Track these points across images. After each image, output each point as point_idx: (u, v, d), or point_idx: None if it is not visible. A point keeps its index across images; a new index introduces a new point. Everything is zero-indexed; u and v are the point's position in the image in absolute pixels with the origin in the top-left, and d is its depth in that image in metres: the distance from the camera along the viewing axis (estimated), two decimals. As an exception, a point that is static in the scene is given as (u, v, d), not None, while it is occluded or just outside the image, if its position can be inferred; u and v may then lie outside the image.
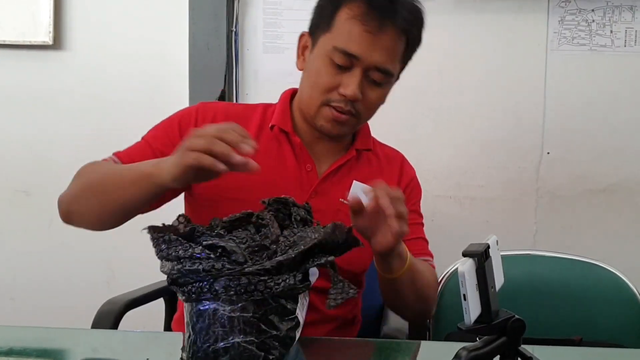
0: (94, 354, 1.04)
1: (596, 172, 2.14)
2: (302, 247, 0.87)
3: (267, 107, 1.31)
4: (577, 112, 2.14)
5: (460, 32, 2.14)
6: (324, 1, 1.23)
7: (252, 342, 0.84)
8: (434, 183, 2.13)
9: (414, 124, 2.17)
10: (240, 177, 1.17)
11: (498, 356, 0.82)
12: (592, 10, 2.10)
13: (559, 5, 2.11)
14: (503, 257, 0.88)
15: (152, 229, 0.89)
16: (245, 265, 0.84)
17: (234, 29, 2.16)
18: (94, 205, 1.11)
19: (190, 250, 0.85)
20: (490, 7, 2.12)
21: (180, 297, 0.88)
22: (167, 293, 1.55)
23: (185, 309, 0.89)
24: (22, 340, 1.05)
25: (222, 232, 0.91)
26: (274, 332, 0.86)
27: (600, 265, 1.47)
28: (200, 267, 0.84)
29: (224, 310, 0.84)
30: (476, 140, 2.16)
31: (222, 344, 0.84)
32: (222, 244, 0.85)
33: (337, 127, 1.21)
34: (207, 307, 0.85)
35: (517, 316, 0.81)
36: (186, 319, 0.88)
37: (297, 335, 0.91)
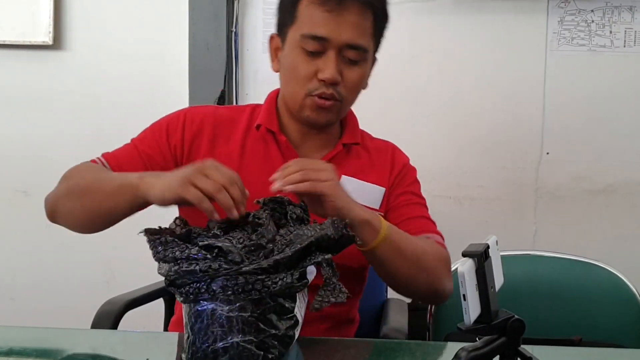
0: (93, 354, 1.04)
1: (595, 172, 2.14)
2: (299, 245, 0.87)
3: (254, 107, 1.31)
4: (576, 113, 2.14)
5: (459, 32, 2.14)
6: None
7: (250, 341, 0.84)
8: (434, 183, 2.13)
9: (414, 124, 2.17)
10: None
11: (498, 356, 0.82)
12: (592, 11, 2.10)
13: (559, 6, 2.11)
14: (502, 257, 0.88)
15: (148, 232, 0.90)
16: (242, 265, 0.84)
17: (233, 29, 2.16)
18: (78, 209, 1.12)
19: (186, 251, 0.85)
20: (489, 8, 2.12)
21: (178, 298, 0.88)
22: (166, 293, 1.55)
23: (183, 310, 0.89)
24: (21, 341, 1.06)
25: (219, 233, 0.91)
26: (273, 331, 0.86)
27: (600, 265, 1.47)
28: (197, 267, 0.84)
29: (222, 310, 0.84)
30: (476, 141, 2.16)
31: (221, 344, 0.84)
32: (219, 244, 0.85)
33: (323, 114, 1.21)
34: (205, 307, 0.85)
35: (516, 316, 0.81)
36: (185, 319, 0.88)
37: (297, 333, 0.91)
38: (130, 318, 1.44)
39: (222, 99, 2.13)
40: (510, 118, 2.15)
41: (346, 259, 1.01)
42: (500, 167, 2.16)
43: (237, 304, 0.84)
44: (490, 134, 2.16)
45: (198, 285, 0.85)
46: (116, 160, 1.21)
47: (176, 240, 0.87)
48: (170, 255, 0.86)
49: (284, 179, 1.00)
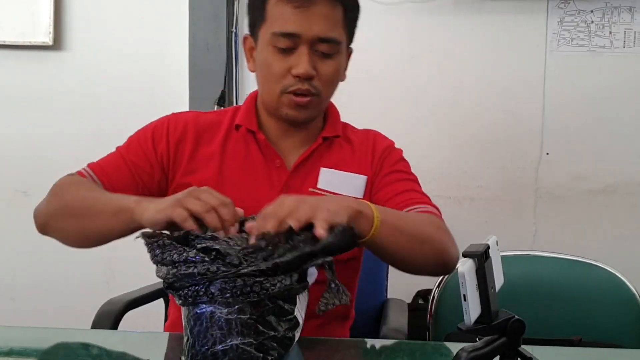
0: (93, 355, 1.04)
1: (595, 172, 2.15)
2: (305, 250, 0.87)
3: (236, 109, 1.31)
4: (576, 113, 2.15)
5: (459, 33, 2.14)
6: None
7: (250, 343, 0.84)
8: (434, 183, 2.13)
9: (414, 124, 2.17)
10: (212, 181, 1.16)
11: (498, 357, 0.82)
12: (591, 11, 2.10)
13: (558, 7, 2.11)
14: (502, 257, 0.88)
15: (146, 235, 0.90)
16: (240, 267, 0.84)
17: (233, 29, 2.17)
18: (72, 229, 1.13)
19: (184, 254, 0.85)
20: (489, 8, 2.12)
21: (177, 301, 0.88)
22: (166, 294, 1.54)
23: (182, 312, 0.89)
24: (22, 341, 1.06)
25: (217, 235, 0.91)
26: (272, 333, 0.86)
27: (599, 265, 1.47)
28: (195, 270, 0.84)
29: (220, 313, 0.84)
30: (475, 141, 2.17)
31: (220, 346, 0.84)
32: (217, 246, 0.85)
33: (302, 111, 1.21)
34: (203, 310, 0.85)
35: (517, 316, 0.81)
36: (184, 322, 0.88)
37: (297, 335, 0.91)
38: (130, 318, 1.44)
39: (222, 99, 2.13)
40: (510, 118, 2.15)
41: None
42: (500, 167, 2.17)
43: (236, 307, 0.84)
44: (490, 134, 2.16)
45: (196, 288, 0.84)
46: (103, 172, 1.21)
47: (174, 243, 0.87)
48: (168, 258, 0.86)
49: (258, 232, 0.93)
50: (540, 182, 2.16)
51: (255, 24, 1.22)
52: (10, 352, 0.98)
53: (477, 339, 0.83)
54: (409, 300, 2.08)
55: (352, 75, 2.22)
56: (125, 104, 2.22)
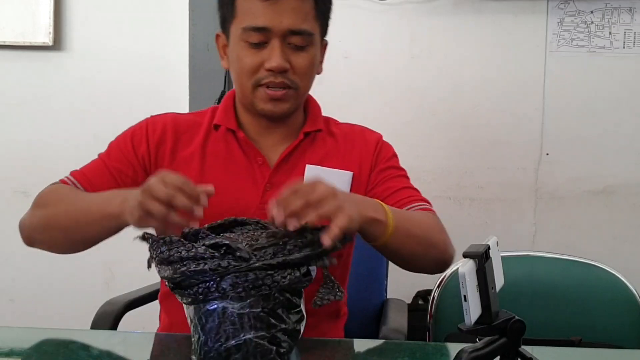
0: (93, 355, 1.04)
1: (595, 173, 2.15)
2: (311, 251, 0.87)
3: (214, 109, 1.30)
4: (576, 114, 2.15)
5: (459, 33, 2.14)
6: None
7: (263, 337, 0.84)
8: (433, 184, 2.13)
9: (414, 124, 2.17)
10: (194, 182, 1.14)
11: (498, 357, 0.82)
12: (591, 12, 2.10)
13: (558, 7, 2.11)
14: (502, 258, 0.88)
15: (149, 234, 0.89)
16: (251, 261, 0.84)
17: (233, 29, 2.16)
18: (59, 238, 1.15)
19: (193, 250, 0.84)
20: (489, 9, 2.12)
21: (184, 300, 0.87)
22: (166, 294, 1.54)
23: (190, 311, 0.89)
24: (21, 341, 1.06)
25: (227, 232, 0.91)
26: (283, 326, 0.86)
27: (599, 266, 1.47)
28: (206, 266, 0.83)
29: (233, 308, 0.84)
30: (475, 142, 2.17)
31: (233, 341, 0.84)
32: (226, 241, 0.85)
33: (278, 105, 1.20)
34: (215, 306, 0.84)
35: (517, 317, 0.81)
36: (193, 320, 0.88)
37: (302, 328, 0.91)
38: (129, 319, 1.44)
39: (222, 99, 2.13)
40: (510, 119, 2.15)
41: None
42: (499, 167, 2.17)
43: (248, 301, 0.84)
44: (490, 135, 2.16)
45: (207, 284, 0.84)
46: (86, 179, 1.20)
47: (181, 239, 0.87)
48: (175, 255, 0.85)
49: (287, 212, 0.91)
50: (540, 182, 2.16)
51: (226, 20, 1.21)
52: (10, 353, 0.98)
53: (477, 340, 0.83)
54: (408, 300, 2.08)
55: (353, 76, 2.24)
56: (125, 104, 2.22)
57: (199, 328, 0.86)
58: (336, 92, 2.16)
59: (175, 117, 1.28)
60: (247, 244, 0.87)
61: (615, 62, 2.11)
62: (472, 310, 0.77)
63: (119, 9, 2.24)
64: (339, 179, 1.23)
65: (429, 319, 1.46)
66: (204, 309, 0.85)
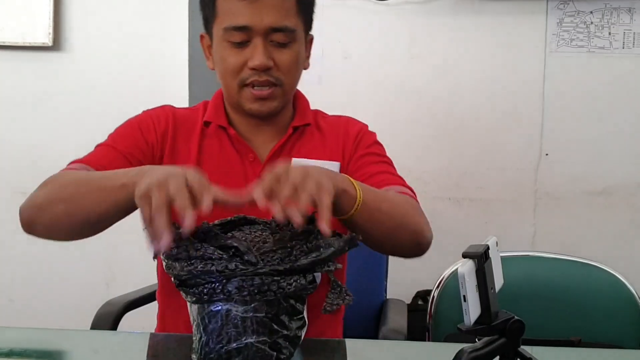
0: (93, 356, 1.04)
1: (594, 173, 2.15)
2: (318, 257, 0.87)
3: (206, 104, 1.30)
4: (575, 114, 2.15)
5: (459, 34, 2.15)
6: None
7: (264, 342, 0.84)
8: (433, 184, 2.13)
9: (413, 125, 2.17)
10: None
11: (498, 357, 0.82)
12: (591, 12, 2.11)
13: (558, 7, 2.11)
14: (502, 258, 0.88)
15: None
16: (257, 266, 0.84)
17: (233, 30, 2.16)
18: (60, 215, 1.02)
19: (202, 250, 0.84)
20: (488, 10, 2.12)
21: (189, 299, 0.87)
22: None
23: (194, 310, 0.89)
24: (21, 342, 1.06)
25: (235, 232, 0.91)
26: (285, 332, 0.86)
27: (599, 266, 1.47)
28: (213, 267, 0.83)
29: (236, 311, 0.84)
30: (475, 142, 2.17)
31: (235, 344, 0.84)
32: (235, 243, 0.85)
33: (265, 104, 1.19)
34: (219, 308, 0.84)
35: (516, 317, 0.81)
36: (195, 320, 0.88)
37: (303, 334, 0.92)
38: (129, 319, 1.44)
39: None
40: (509, 119, 2.16)
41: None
42: (499, 168, 2.17)
43: (252, 305, 0.84)
44: (489, 135, 2.16)
45: (213, 285, 0.84)
46: (100, 165, 1.13)
47: (190, 237, 0.86)
48: (183, 253, 0.85)
49: (282, 208, 0.87)
50: (539, 183, 2.16)
51: (208, 21, 1.21)
52: (9, 353, 0.98)
53: (476, 340, 0.83)
54: (408, 300, 2.08)
55: (352, 76, 2.24)
56: (125, 104, 2.22)
57: (201, 328, 0.86)
58: (335, 92, 2.17)
59: (173, 109, 1.28)
60: (255, 246, 0.87)
61: (614, 62, 2.11)
62: (472, 310, 0.77)
63: (118, 10, 2.24)
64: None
65: (428, 319, 1.46)
66: (208, 309, 0.85)
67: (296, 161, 1.22)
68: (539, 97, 2.14)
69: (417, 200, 1.17)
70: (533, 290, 1.45)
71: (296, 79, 1.23)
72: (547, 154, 2.16)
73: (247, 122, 1.25)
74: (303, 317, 0.90)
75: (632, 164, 2.14)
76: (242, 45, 1.16)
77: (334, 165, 1.23)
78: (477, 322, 0.79)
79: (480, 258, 0.79)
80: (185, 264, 0.85)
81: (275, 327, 0.85)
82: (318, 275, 0.91)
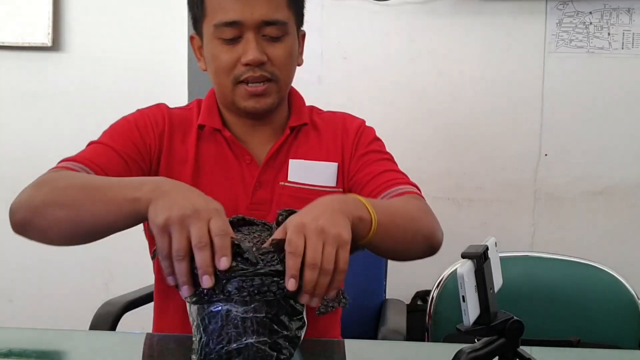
0: (92, 356, 1.04)
1: (593, 173, 2.15)
2: None
3: (199, 103, 1.27)
4: (574, 114, 2.15)
5: (458, 34, 2.15)
6: None
7: (265, 342, 0.84)
8: (432, 185, 2.13)
9: (412, 125, 2.17)
10: (187, 183, 1.06)
11: (497, 357, 0.82)
12: (590, 13, 2.11)
13: (557, 8, 2.11)
14: (501, 258, 0.88)
15: None
16: (258, 266, 0.84)
17: (232, 30, 2.16)
18: (62, 219, 0.96)
19: None
20: (488, 10, 2.13)
21: (189, 299, 0.87)
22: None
23: (193, 310, 0.89)
24: (20, 342, 1.06)
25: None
26: (285, 332, 0.86)
27: (598, 266, 1.47)
28: None
29: (237, 312, 0.84)
30: (474, 142, 2.17)
31: (235, 345, 0.84)
32: (236, 241, 0.85)
33: (260, 100, 1.17)
34: (219, 308, 0.84)
35: (515, 317, 0.81)
36: (195, 320, 0.88)
37: (303, 335, 0.92)
38: (128, 319, 1.44)
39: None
40: (508, 119, 2.16)
41: None
42: (498, 168, 2.17)
43: (252, 305, 0.84)
44: (488, 136, 2.16)
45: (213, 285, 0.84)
46: (96, 165, 1.09)
47: None
48: None
49: (316, 296, 0.86)
50: (538, 183, 2.16)
51: (197, 20, 1.19)
52: (9, 354, 0.98)
53: (476, 340, 0.83)
54: (407, 301, 2.08)
55: (352, 76, 2.24)
56: (124, 104, 2.20)
57: (201, 329, 0.86)
58: (335, 93, 2.17)
59: (168, 109, 1.25)
60: (254, 246, 0.87)
61: (613, 63, 2.11)
62: (471, 310, 0.77)
63: (118, 10, 2.24)
64: (324, 171, 1.21)
65: (427, 319, 1.46)
66: (208, 310, 0.85)
67: (293, 163, 1.21)
68: (538, 97, 2.14)
69: (422, 197, 1.16)
70: (532, 291, 1.46)
71: (291, 74, 1.21)
72: (546, 154, 2.16)
73: (242, 122, 1.22)
74: (303, 317, 0.90)
75: (632, 164, 2.14)
76: (233, 41, 1.14)
77: (332, 167, 1.22)
78: (476, 322, 0.79)
79: (480, 258, 0.79)
80: None
81: (275, 327, 0.85)
82: None
